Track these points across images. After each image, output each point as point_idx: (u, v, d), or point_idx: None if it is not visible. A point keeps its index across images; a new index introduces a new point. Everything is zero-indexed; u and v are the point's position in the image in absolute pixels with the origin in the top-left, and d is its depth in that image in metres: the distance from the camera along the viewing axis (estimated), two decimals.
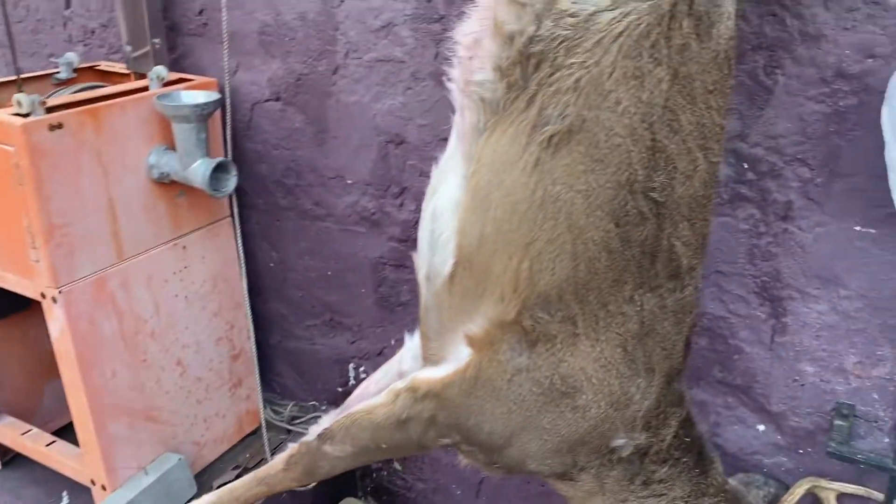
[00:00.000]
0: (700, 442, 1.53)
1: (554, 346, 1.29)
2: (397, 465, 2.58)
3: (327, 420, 1.49)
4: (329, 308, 2.45)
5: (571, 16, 1.09)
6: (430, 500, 2.54)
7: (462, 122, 1.26)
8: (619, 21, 1.08)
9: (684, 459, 1.49)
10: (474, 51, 1.21)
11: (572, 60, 1.10)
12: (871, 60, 1.44)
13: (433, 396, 1.37)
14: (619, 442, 1.39)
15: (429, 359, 1.45)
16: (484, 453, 1.41)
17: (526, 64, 1.13)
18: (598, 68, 1.10)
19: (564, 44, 1.10)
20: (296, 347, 2.60)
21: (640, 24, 1.08)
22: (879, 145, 1.38)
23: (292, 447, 1.49)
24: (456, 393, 1.35)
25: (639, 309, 1.28)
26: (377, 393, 1.49)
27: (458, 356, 1.36)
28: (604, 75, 1.10)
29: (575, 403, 1.32)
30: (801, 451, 1.81)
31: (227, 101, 2.08)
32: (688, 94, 1.14)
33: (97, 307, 1.96)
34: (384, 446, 1.41)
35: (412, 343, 1.57)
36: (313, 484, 1.59)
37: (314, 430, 1.51)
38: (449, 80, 1.29)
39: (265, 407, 2.67)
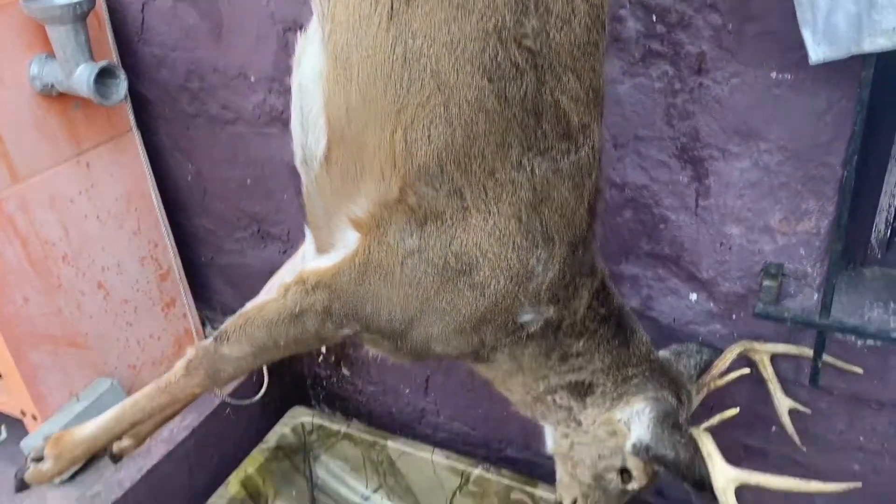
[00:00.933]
0: (619, 313, 1.48)
1: (444, 223, 1.21)
2: (346, 371, 2.54)
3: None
4: (255, 218, 2.35)
5: None
6: (381, 402, 2.52)
7: None
8: None
9: (601, 331, 1.44)
10: None
11: None
12: None
13: (324, 287, 1.29)
14: (526, 317, 1.33)
15: (322, 249, 1.37)
16: (387, 340, 1.35)
17: None
18: None
19: None
20: (228, 263, 2.51)
21: None
22: None
23: (190, 352, 1.42)
24: (347, 281, 1.28)
25: (530, 175, 1.19)
26: None
27: (346, 242, 1.28)
28: None
29: (472, 281, 1.25)
30: (734, 317, 1.77)
31: None
32: None
33: None
34: (282, 343, 1.35)
35: (308, 243, 1.48)
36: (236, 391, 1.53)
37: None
38: None
39: (205, 325, 2.61)
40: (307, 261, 1.43)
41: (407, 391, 2.43)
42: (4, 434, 2.24)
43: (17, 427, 2.21)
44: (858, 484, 1.29)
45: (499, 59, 1.06)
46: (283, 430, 2.29)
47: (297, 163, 1.32)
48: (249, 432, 2.34)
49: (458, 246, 1.22)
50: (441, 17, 1.03)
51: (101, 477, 2.04)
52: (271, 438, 2.26)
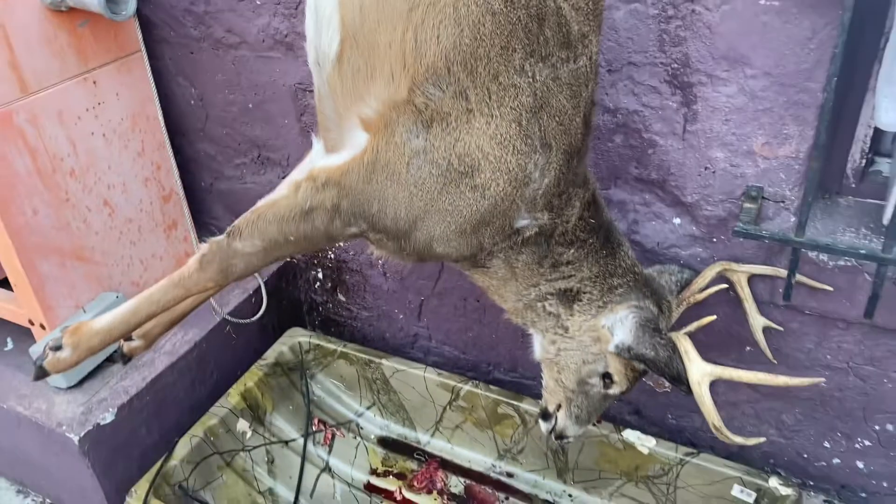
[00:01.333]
0: (607, 225, 1.57)
1: (449, 124, 1.29)
2: (341, 297, 2.63)
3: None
4: (255, 143, 2.41)
5: None
6: (375, 327, 2.61)
7: None
8: None
9: (590, 241, 1.53)
10: None
11: None
12: None
13: (334, 184, 1.37)
14: (522, 222, 1.42)
15: (331, 150, 1.44)
16: (391, 240, 1.43)
17: None
18: None
19: None
20: (228, 188, 2.58)
21: None
22: None
23: (203, 247, 1.49)
24: (356, 179, 1.35)
25: (531, 80, 1.26)
26: None
27: (356, 142, 1.35)
28: None
29: (474, 183, 1.33)
30: (714, 240, 1.87)
31: None
32: None
33: (6, 142, 1.90)
34: (292, 238, 1.42)
35: (319, 145, 1.55)
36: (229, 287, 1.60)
37: None
38: None
39: None
40: (317, 160, 1.49)
41: (401, 316, 2.53)
42: (11, 344, 2.32)
43: (22, 338, 2.29)
44: (822, 379, 1.40)
45: None
46: (281, 348, 2.38)
47: (310, 63, 1.38)
48: (248, 351, 2.44)
49: (462, 148, 1.30)
50: None
51: (107, 384, 2.13)
52: (270, 355, 2.36)
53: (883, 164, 1.82)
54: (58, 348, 1.56)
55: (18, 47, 1.89)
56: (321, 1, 1.28)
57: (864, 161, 1.78)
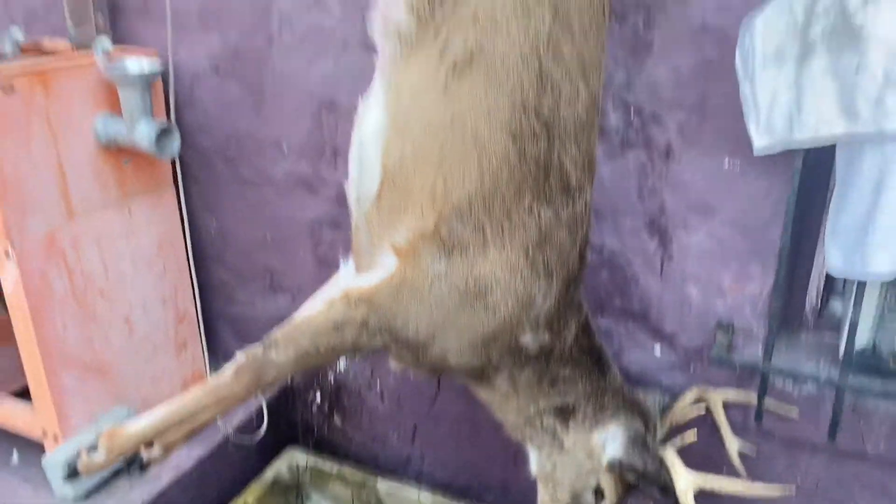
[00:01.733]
0: (598, 348, 1.77)
1: (467, 253, 1.51)
2: (337, 420, 2.74)
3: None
4: (269, 272, 2.61)
5: None
6: (369, 449, 2.71)
7: (382, 58, 1.48)
8: None
9: (584, 361, 1.72)
10: None
11: None
12: (727, 13, 1.70)
13: (364, 301, 1.56)
14: (526, 339, 1.61)
15: (361, 271, 1.65)
16: (411, 352, 1.61)
17: (433, 0, 1.36)
18: (491, 2, 1.33)
19: None
20: (238, 313, 2.74)
21: None
22: (738, 88, 1.65)
23: (239, 357, 1.65)
24: (384, 298, 1.55)
25: (537, 219, 1.50)
26: None
27: (386, 265, 1.56)
28: (496, 9, 1.33)
29: (486, 303, 1.53)
30: (691, 368, 2.07)
31: (171, 68, 2.24)
32: (567, 29, 1.38)
33: (48, 262, 2.09)
34: (322, 350, 1.60)
35: (346, 270, 1.76)
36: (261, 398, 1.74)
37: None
38: (370, 23, 1.50)
39: (210, 372, 2.81)
40: (348, 280, 1.70)
41: (395, 438, 2.64)
42: (17, 458, 2.38)
43: (28, 451, 2.36)
44: (793, 486, 1.56)
45: (522, 125, 1.40)
46: (279, 467, 2.47)
47: (351, 201, 1.62)
48: (246, 468, 2.52)
49: (478, 272, 1.51)
50: (482, 92, 1.38)
51: (114, 496, 2.19)
52: (269, 474, 2.44)
53: (836, 305, 2.07)
54: (91, 450, 1.67)
55: (71, 178, 2.12)
56: (366, 153, 1.53)
57: (819, 301, 2.03)
